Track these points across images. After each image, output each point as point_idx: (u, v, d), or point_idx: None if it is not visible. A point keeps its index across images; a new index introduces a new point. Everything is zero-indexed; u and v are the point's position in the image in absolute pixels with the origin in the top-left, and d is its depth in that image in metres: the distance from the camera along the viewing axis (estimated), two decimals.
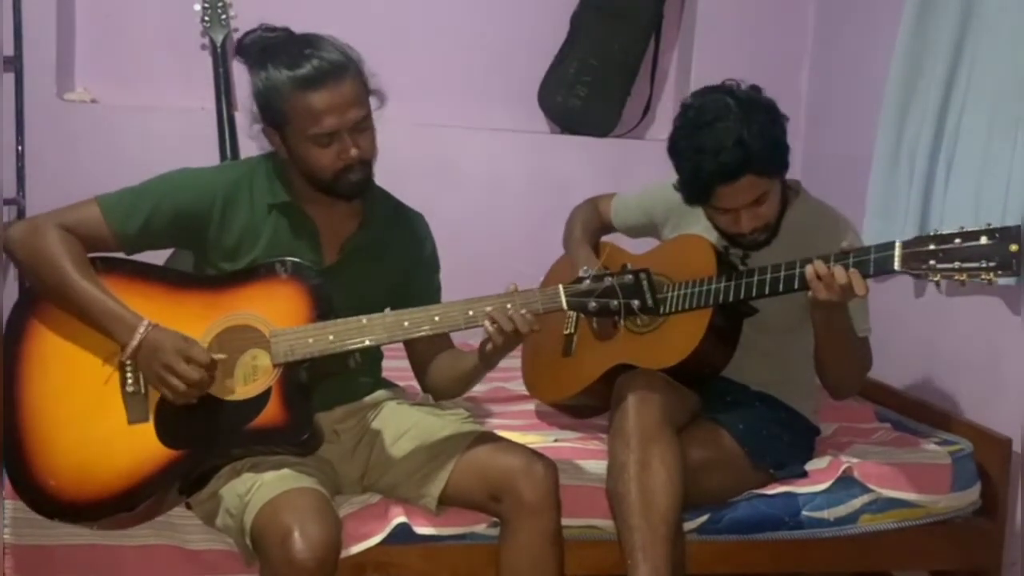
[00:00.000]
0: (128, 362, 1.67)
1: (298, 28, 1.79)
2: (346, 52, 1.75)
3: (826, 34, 3.15)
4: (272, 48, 1.74)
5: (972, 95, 2.27)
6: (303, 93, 1.69)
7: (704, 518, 1.96)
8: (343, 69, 1.72)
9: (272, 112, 1.73)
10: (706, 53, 3.17)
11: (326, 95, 1.69)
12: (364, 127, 1.76)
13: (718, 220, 1.97)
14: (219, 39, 2.86)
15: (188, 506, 1.79)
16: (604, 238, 2.38)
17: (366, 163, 1.77)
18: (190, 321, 1.70)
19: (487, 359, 1.75)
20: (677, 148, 1.91)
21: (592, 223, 2.35)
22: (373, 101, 1.77)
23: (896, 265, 1.68)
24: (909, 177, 2.44)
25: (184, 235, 1.80)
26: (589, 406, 2.23)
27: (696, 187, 1.88)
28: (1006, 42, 2.17)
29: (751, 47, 3.15)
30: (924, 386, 2.49)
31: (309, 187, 1.79)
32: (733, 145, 1.81)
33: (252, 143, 1.90)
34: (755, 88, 1.93)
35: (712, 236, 2.05)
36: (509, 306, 1.68)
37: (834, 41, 3.10)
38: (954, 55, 2.31)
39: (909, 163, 2.45)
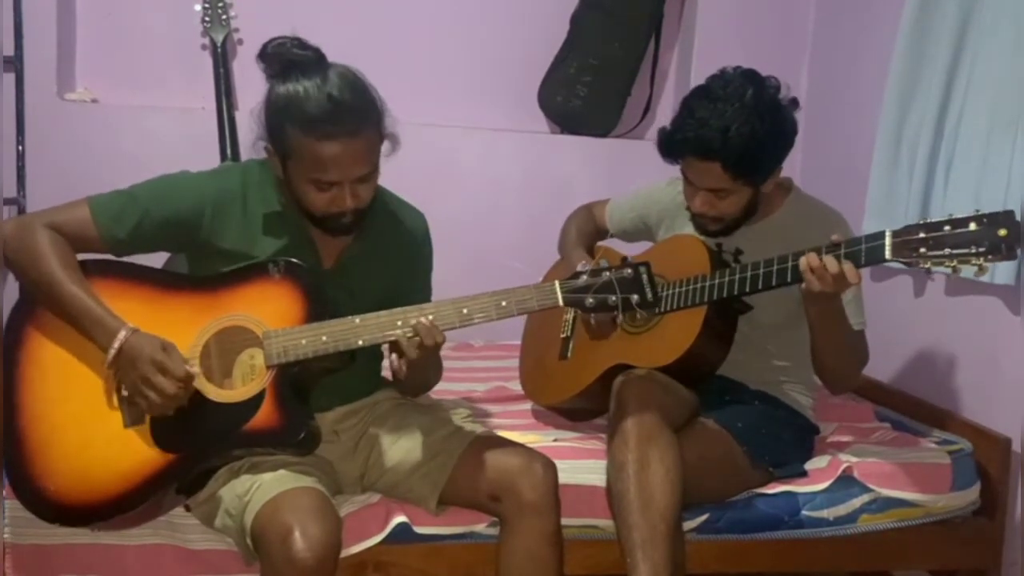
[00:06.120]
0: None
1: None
2: (371, 99, 1.69)
3: (826, 34, 3.16)
4: (298, 68, 1.66)
5: (972, 95, 2.27)
6: (315, 140, 1.62)
7: (704, 517, 1.96)
8: (361, 123, 1.65)
9: (278, 141, 1.68)
10: (706, 53, 3.16)
11: (337, 148, 1.62)
12: (367, 179, 1.71)
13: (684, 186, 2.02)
14: (219, 39, 2.87)
15: (187, 508, 1.79)
16: (599, 243, 2.37)
17: (359, 211, 1.73)
18: (185, 323, 1.70)
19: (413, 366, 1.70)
20: (685, 99, 1.95)
21: (587, 228, 2.35)
22: (385, 146, 1.72)
23: (887, 254, 1.67)
24: (909, 177, 2.45)
25: (175, 241, 1.78)
26: (586, 410, 2.22)
27: (670, 144, 1.94)
28: (1006, 41, 2.17)
29: (751, 47, 3.14)
30: (924, 386, 2.49)
31: None
32: (717, 129, 1.84)
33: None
34: (793, 101, 1.95)
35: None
36: (504, 303, 1.67)
37: (834, 41, 3.10)
38: (954, 55, 2.31)
39: (909, 162, 2.45)
